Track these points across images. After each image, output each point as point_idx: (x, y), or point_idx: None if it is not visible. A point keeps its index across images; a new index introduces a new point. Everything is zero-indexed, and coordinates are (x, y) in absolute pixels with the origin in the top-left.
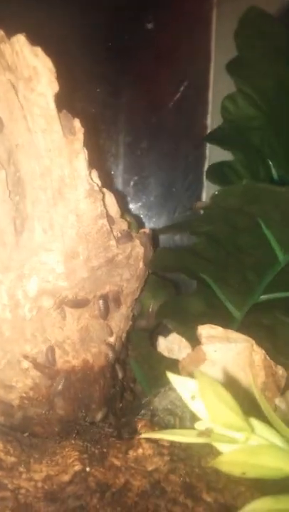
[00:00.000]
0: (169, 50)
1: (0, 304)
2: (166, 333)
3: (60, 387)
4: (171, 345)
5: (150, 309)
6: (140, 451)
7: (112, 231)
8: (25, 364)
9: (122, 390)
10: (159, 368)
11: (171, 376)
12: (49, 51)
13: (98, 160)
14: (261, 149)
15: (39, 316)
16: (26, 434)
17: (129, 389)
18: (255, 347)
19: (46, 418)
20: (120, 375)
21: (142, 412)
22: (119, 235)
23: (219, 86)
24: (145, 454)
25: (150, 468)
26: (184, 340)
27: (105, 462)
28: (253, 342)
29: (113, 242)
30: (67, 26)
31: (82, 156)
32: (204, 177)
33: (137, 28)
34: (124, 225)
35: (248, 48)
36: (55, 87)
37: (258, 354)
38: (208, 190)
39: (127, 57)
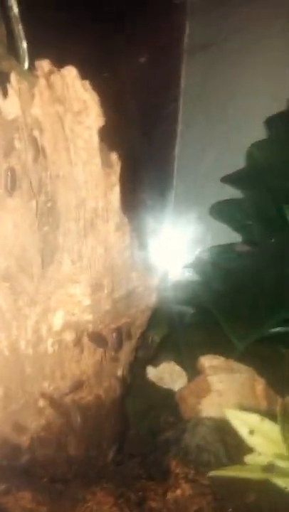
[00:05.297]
0: (141, 81)
1: (24, 340)
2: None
3: (77, 424)
4: (161, 374)
5: (150, 340)
6: (179, 492)
7: (134, 263)
8: (42, 403)
9: (127, 425)
10: (153, 398)
11: (229, 412)
12: None
13: None
14: (277, 192)
15: (59, 351)
16: (45, 479)
17: None
18: (257, 377)
19: (53, 460)
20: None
21: (173, 449)
22: (138, 265)
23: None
24: (185, 495)
25: (193, 508)
26: (176, 369)
27: (144, 506)
28: (254, 372)
29: (134, 274)
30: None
31: (117, 189)
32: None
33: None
34: (142, 256)
35: None
36: (101, 121)
37: (260, 384)
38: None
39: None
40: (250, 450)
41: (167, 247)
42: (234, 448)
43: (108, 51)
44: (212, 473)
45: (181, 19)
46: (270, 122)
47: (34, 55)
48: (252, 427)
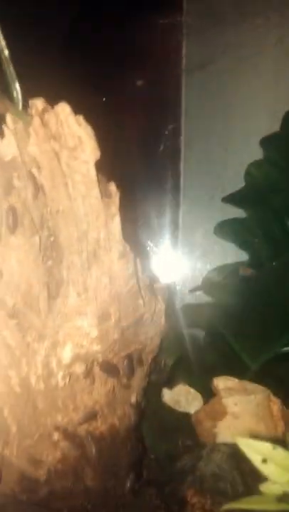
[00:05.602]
0: (142, 104)
1: (34, 376)
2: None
3: (92, 455)
4: (177, 397)
5: (163, 363)
6: None
7: (140, 290)
8: (56, 436)
9: (144, 451)
10: (169, 421)
11: (240, 440)
12: None
13: None
14: (279, 210)
15: (70, 383)
16: None
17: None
18: (272, 397)
19: (71, 491)
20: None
21: (189, 478)
22: (144, 292)
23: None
24: None
25: None
26: (191, 392)
27: None
28: (270, 392)
29: (141, 301)
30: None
31: (117, 219)
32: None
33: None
34: (147, 281)
35: None
36: (97, 155)
37: (276, 404)
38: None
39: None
40: (265, 477)
41: (174, 269)
42: (250, 475)
43: (108, 75)
44: (226, 506)
45: (178, 40)
46: (266, 142)
47: (27, 93)
48: (265, 455)
